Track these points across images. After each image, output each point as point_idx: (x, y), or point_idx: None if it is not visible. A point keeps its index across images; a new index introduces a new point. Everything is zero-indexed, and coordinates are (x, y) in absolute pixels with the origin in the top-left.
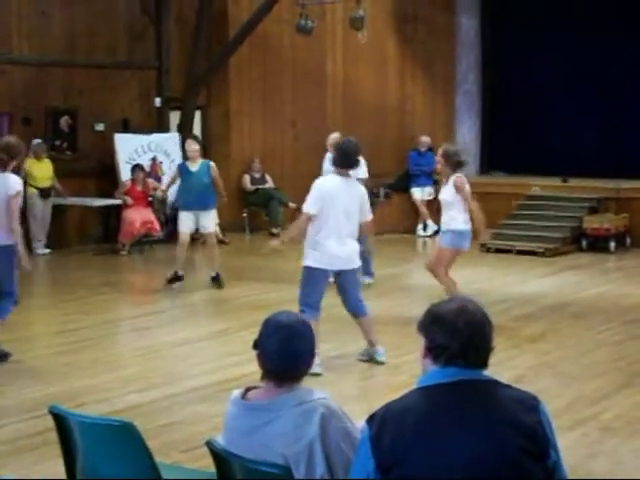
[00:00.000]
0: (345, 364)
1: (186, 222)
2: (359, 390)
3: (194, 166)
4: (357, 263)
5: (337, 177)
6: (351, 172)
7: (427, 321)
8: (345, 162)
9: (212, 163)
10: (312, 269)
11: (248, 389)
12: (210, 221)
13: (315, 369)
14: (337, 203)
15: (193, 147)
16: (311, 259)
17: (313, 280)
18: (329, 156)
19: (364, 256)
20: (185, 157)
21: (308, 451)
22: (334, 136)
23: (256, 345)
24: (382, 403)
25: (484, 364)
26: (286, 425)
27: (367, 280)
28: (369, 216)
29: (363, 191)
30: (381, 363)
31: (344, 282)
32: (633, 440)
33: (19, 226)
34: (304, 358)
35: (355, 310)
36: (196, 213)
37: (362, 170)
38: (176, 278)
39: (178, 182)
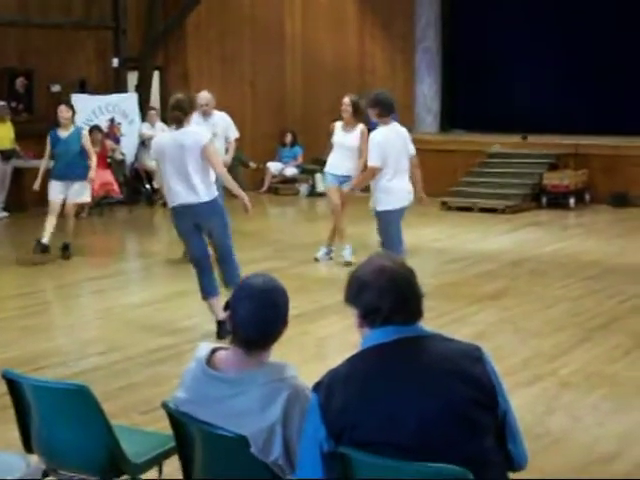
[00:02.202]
0: (304, 321)
1: (55, 191)
2: (318, 349)
3: (64, 133)
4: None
5: (383, 126)
6: (229, 135)
7: (353, 290)
8: (386, 110)
9: (84, 131)
10: (390, 212)
11: (215, 350)
12: (75, 193)
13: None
14: (394, 148)
15: (66, 114)
16: (386, 203)
17: (394, 220)
18: (196, 118)
19: None
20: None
21: (267, 433)
22: (204, 95)
23: (227, 306)
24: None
25: (419, 314)
26: (251, 403)
27: None
28: (413, 151)
29: (405, 130)
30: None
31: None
32: (591, 395)
33: (225, 170)
34: (275, 326)
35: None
36: (65, 183)
37: (233, 131)
38: (40, 246)
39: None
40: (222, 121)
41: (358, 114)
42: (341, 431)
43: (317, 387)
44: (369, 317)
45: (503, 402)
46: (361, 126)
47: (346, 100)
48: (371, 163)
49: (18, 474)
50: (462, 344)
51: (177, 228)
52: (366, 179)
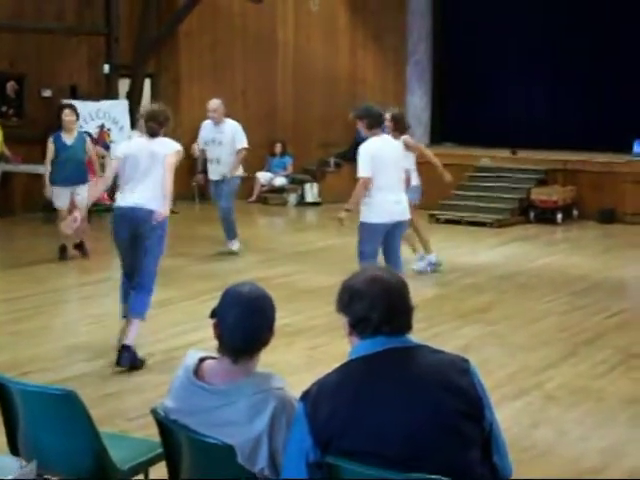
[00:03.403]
0: (291, 331)
1: (62, 198)
2: (305, 359)
3: (70, 139)
4: (409, 215)
5: (375, 138)
6: (236, 144)
7: (345, 299)
8: (375, 122)
9: (88, 138)
10: (365, 224)
11: (203, 359)
12: (85, 194)
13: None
14: (385, 160)
15: (71, 117)
16: (365, 216)
17: (374, 234)
18: (207, 124)
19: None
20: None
21: (253, 444)
22: (213, 102)
23: (214, 314)
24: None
25: (408, 326)
26: (238, 414)
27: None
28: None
29: (400, 144)
30: None
31: (397, 233)
32: (576, 409)
33: (171, 188)
34: (262, 333)
35: (395, 264)
36: (71, 188)
37: (243, 140)
38: (62, 250)
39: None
40: (231, 130)
41: (400, 127)
42: (328, 440)
43: (304, 397)
44: (359, 326)
45: (489, 414)
46: (404, 137)
47: (387, 116)
48: (361, 174)
49: (12, 475)
50: (450, 356)
51: (114, 235)
52: (359, 193)
